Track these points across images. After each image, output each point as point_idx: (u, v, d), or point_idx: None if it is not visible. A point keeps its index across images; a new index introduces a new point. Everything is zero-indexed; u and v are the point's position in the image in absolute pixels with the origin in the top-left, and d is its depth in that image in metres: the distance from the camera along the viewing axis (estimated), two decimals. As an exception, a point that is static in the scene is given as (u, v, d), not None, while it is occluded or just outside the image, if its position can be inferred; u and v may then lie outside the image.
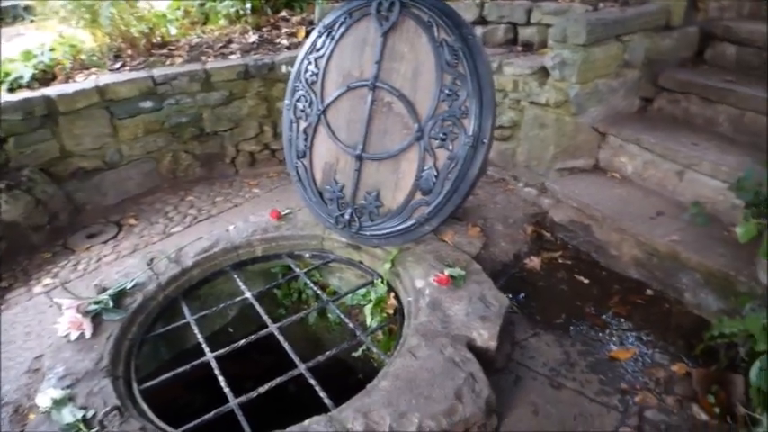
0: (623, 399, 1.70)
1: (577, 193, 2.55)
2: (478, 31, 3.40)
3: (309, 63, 2.42)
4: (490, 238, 2.44)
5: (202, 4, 4.96)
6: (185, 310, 2.10)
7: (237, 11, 4.61)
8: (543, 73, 2.70)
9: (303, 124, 2.46)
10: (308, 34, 4.13)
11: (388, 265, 2.16)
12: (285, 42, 4.09)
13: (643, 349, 1.90)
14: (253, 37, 4.19)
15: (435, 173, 2.04)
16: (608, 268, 2.36)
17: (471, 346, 1.70)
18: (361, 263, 2.35)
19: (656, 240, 2.15)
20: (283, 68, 3.65)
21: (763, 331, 1.55)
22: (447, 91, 1.99)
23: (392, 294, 2.13)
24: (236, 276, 2.29)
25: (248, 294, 2.16)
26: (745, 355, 1.72)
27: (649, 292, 2.19)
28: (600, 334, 1.99)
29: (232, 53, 3.91)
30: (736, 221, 1.97)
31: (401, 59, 2.13)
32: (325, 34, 2.36)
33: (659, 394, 1.71)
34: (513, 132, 2.97)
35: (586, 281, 2.29)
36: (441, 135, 2.02)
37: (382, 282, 2.18)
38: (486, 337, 1.72)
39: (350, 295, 2.24)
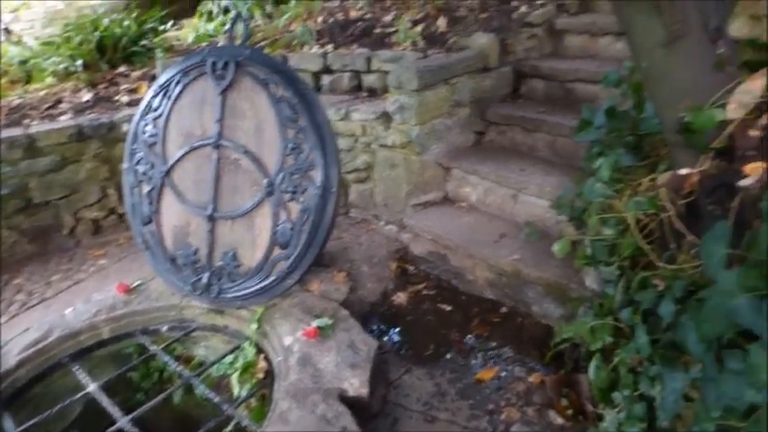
0: (491, 419, 1.80)
1: (431, 225, 2.72)
2: (325, 79, 3.52)
3: (147, 124, 2.29)
4: (357, 281, 2.47)
5: (24, 62, 4.46)
6: (8, 422, 1.78)
7: (67, 68, 4.22)
8: (387, 117, 2.87)
9: (146, 188, 2.29)
10: (149, 89, 3.93)
11: (254, 326, 2.07)
12: (125, 99, 3.82)
13: (504, 366, 2.05)
14: (87, 95, 3.85)
15: (290, 226, 2.03)
16: (467, 292, 2.53)
17: (344, 398, 1.68)
18: (226, 327, 2.22)
19: (502, 261, 2.37)
20: (125, 127, 3.39)
21: (591, 333, 1.77)
22: (291, 145, 2.02)
23: (262, 356, 2.04)
24: (76, 368, 2.01)
25: (91, 387, 1.90)
26: (585, 356, 1.94)
27: (504, 309, 2.39)
28: (466, 359, 2.10)
29: (62, 114, 3.55)
30: (563, 234, 2.25)
31: (243, 116, 2.11)
32: (161, 94, 2.26)
33: (521, 407, 1.84)
34: (369, 174, 3.09)
35: (449, 308, 2.43)
36: (291, 189, 2.02)
37: (250, 344, 2.08)
38: (357, 385, 1.72)
39: (216, 366, 2.09)
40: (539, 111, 2.90)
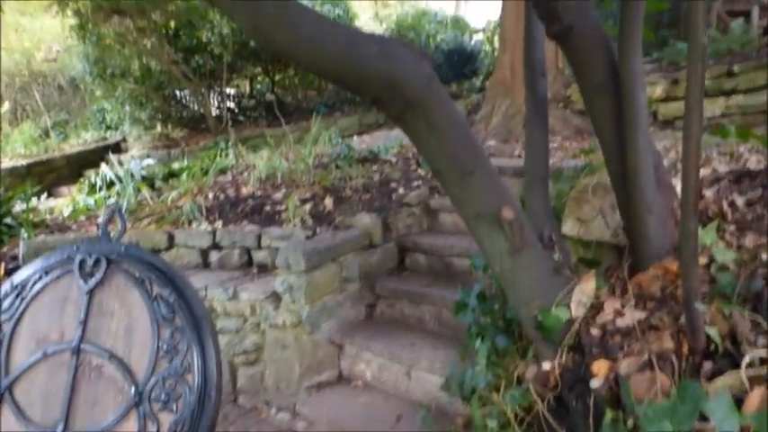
0: None
1: (326, 411, 2.56)
2: (214, 256, 3.48)
3: (-8, 326, 2.01)
4: (242, 492, 2.16)
5: None
6: None
7: None
8: (276, 297, 2.84)
9: (-21, 406, 1.92)
10: (9, 272, 3.55)
11: None
12: (-24, 283, 3.38)
13: None
14: (-74, 280, 3.36)
15: (160, 442, 1.78)
16: (367, 489, 2.32)
17: None
18: None
19: (400, 450, 2.25)
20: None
21: None
22: (166, 346, 1.87)
23: None
24: None
25: None
26: None
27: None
28: None
29: None
30: (460, 411, 2.23)
31: (111, 317, 1.95)
32: (14, 294, 2.03)
33: None
34: (259, 355, 2.93)
35: None
36: (163, 396, 1.82)
37: None
38: None
39: None
40: (423, 284, 3.07)
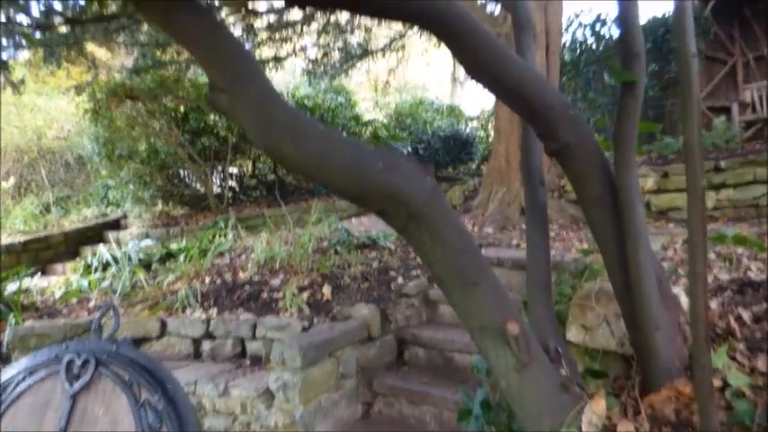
0: None
1: None
2: (206, 345, 3.37)
3: (-35, 431, 1.88)
4: None
5: None
6: None
7: None
8: (269, 394, 2.71)
9: None
10: (-7, 360, 3.42)
11: None
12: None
13: None
14: None
15: None
16: None
17: None
18: None
19: None
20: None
21: None
22: (149, 459, 1.75)
23: None
24: None
25: None
26: None
27: None
28: None
29: None
30: None
31: (95, 423, 1.84)
32: (-6, 396, 1.93)
33: None
34: (246, 459, 2.74)
35: None
36: None
37: None
38: None
39: None
40: (422, 381, 2.95)
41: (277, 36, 7.58)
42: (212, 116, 8.07)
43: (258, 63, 1.41)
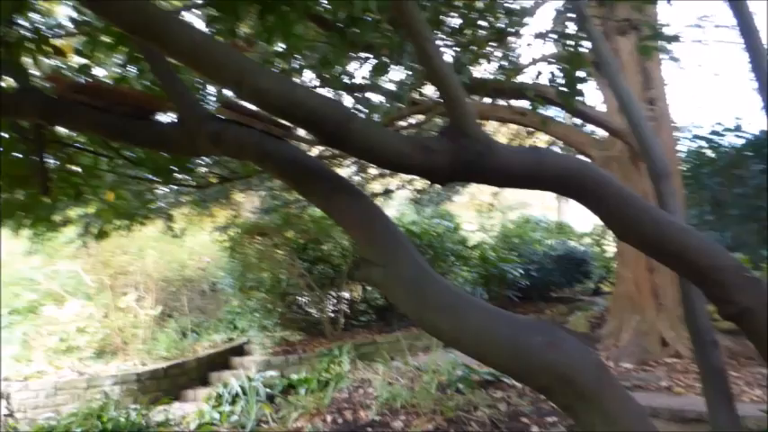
0: None
1: None
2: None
3: None
4: None
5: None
6: None
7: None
8: None
9: None
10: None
11: None
12: None
13: None
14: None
15: None
16: None
17: None
18: None
19: None
20: None
21: None
22: None
23: None
24: None
25: None
26: None
27: None
28: None
29: None
30: None
31: None
32: None
33: None
34: None
35: None
36: None
37: None
38: None
39: None
40: None
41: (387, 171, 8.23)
42: (325, 246, 8.66)
43: (411, 243, 1.53)
